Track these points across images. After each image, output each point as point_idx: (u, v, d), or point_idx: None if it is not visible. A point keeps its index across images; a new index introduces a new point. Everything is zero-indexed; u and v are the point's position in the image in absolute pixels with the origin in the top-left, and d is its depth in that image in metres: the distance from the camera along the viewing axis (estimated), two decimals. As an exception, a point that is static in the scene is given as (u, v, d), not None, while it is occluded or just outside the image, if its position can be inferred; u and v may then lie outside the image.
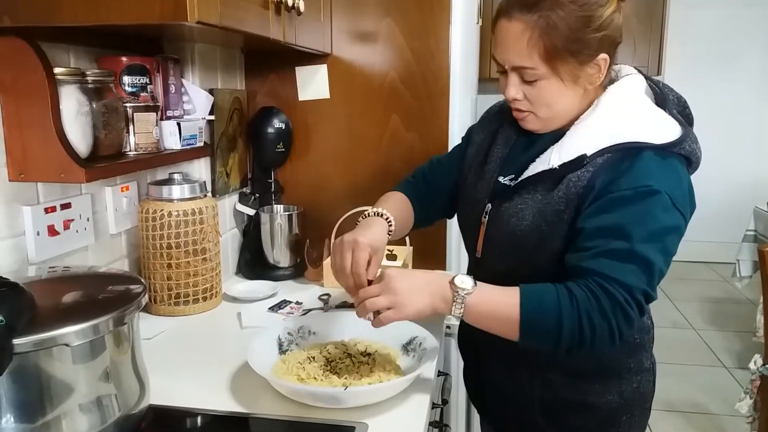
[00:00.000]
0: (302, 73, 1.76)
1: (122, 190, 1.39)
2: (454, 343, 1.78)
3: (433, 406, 1.23)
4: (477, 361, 1.32)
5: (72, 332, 0.79)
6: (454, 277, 0.99)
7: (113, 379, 0.88)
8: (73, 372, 0.82)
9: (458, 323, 1.06)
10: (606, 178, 1.01)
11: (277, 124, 1.75)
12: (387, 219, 1.19)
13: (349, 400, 1.02)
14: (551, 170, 1.06)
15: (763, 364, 2.26)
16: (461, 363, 1.60)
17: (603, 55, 1.05)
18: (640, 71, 1.15)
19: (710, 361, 3.47)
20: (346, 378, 1.07)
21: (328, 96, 1.76)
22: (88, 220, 1.28)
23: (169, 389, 1.08)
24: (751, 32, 4.98)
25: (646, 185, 0.98)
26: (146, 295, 0.94)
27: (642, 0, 4.45)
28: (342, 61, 1.74)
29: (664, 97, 1.10)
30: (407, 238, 1.54)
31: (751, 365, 2.31)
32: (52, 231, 1.19)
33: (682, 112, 1.12)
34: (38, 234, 1.16)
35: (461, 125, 1.77)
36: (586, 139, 1.05)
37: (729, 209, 4.98)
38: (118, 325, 0.87)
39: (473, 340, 1.30)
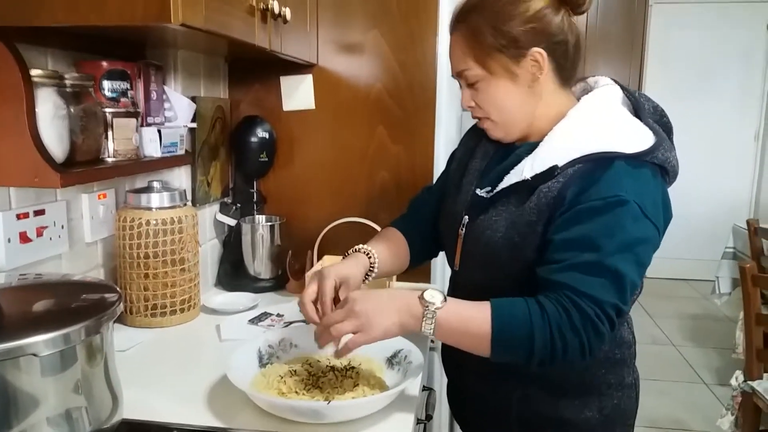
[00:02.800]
0: (287, 82, 1.74)
1: (99, 198, 1.35)
2: (438, 357, 1.75)
3: (417, 421, 1.20)
4: (459, 375, 1.30)
5: (41, 341, 0.75)
6: (423, 292, 0.97)
7: (84, 391, 0.84)
8: (41, 384, 0.78)
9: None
10: (576, 189, 1.00)
11: (261, 133, 1.72)
12: (367, 254, 1.19)
13: (331, 415, 0.99)
14: (524, 182, 1.06)
15: (745, 380, 2.27)
16: (445, 378, 1.57)
17: (536, 49, 1.05)
18: (616, 82, 1.14)
19: (690, 378, 3.48)
20: (329, 392, 1.04)
21: (313, 107, 1.74)
22: (62, 227, 1.24)
23: (143, 403, 1.04)
24: (731, 52, 5.08)
25: (616, 195, 0.97)
26: (121, 304, 0.90)
27: (622, 19, 4.51)
28: (328, 72, 1.73)
29: (640, 107, 1.09)
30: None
31: (733, 381, 2.32)
32: (24, 238, 1.15)
33: (659, 120, 1.11)
34: (9, 241, 1.12)
35: (447, 138, 1.76)
36: (557, 150, 1.05)
37: (708, 227, 5.05)
38: (91, 335, 0.83)
39: (455, 354, 1.25)
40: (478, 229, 1.12)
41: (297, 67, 1.70)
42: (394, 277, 1.60)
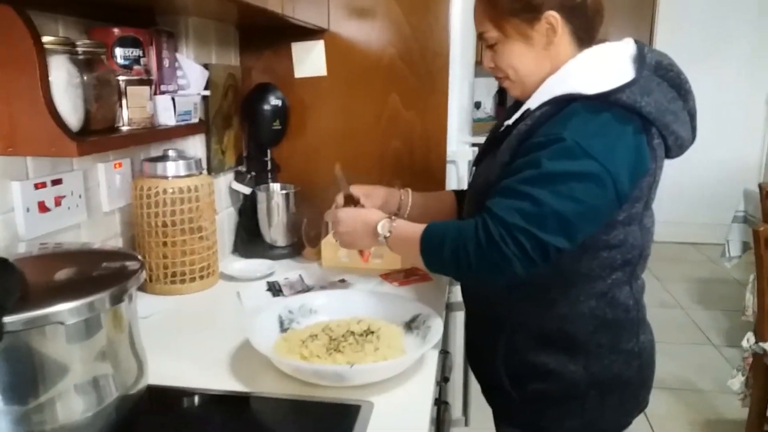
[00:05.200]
0: (298, 49, 1.72)
1: (115, 167, 1.35)
2: (453, 319, 1.77)
3: (435, 383, 1.22)
4: (467, 324, 1.36)
5: (66, 310, 0.75)
6: (377, 224, 1.17)
7: (110, 358, 0.84)
8: (67, 352, 0.78)
9: (460, 298, 1.31)
10: (535, 129, 1.05)
11: (273, 101, 1.71)
12: (399, 188, 1.40)
13: (354, 378, 1.00)
14: (507, 128, 1.13)
15: (756, 342, 2.28)
16: (460, 340, 1.59)
17: (551, 13, 1.07)
18: (638, 42, 1.12)
19: (699, 340, 3.50)
20: (350, 356, 1.05)
21: (325, 73, 1.73)
22: (80, 196, 1.24)
23: (167, 369, 1.05)
24: (742, 17, 4.97)
25: (557, 133, 1.00)
26: (144, 272, 0.91)
27: (634, -19, 4.43)
28: (339, 38, 1.71)
29: (641, 60, 1.07)
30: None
31: (744, 343, 2.33)
32: (43, 207, 1.16)
33: (663, 75, 1.08)
34: (28, 210, 1.12)
35: (460, 105, 1.75)
36: (536, 95, 1.10)
37: (717, 191, 5.01)
38: (116, 303, 0.83)
39: (465, 301, 1.35)
40: (475, 176, 1.23)
41: (308, 33, 1.68)
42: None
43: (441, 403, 1.43)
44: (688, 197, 5.02)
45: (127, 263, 0.92)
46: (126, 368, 0.88)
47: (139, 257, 0.96)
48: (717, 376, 3.01)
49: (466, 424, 2.00)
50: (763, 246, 2.20)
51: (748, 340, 2.32)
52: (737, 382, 2.38)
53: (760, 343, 2.25)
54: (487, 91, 5.03)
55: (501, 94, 5.12)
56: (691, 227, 5.14)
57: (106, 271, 0.91)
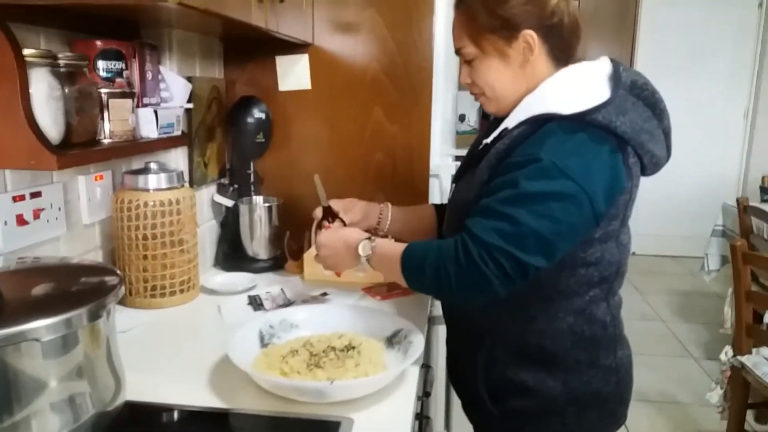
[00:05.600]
0: (283, 62, 1.73)
1: (96, 179, 1.34)
2: (435, 332, 1.77)
3: (417, 398, 1.22)
4: (448, 339, 1.36)
5: (42, 326, 0.74)
6: (359, 245, 1.18)
7: (87, 375, 0.84)
8: (43, 369, 0.77)
9: (440, 312, 1.32)
10: (513, 148, 1.06)
11: (257, 113, 1.71)
12: (379, 203, 1.41)
13: (334, 395, 1.00)
14: (485, 146, 1.13)
15: (734, 355, 2.30)
16: (442, 354, 1.59)
17: (528, 32, 1.08)
18: (614, 61, 1.13)
19: (679, 352, 3.54)
20: (331, 372, 1.05)
21: (309, 87, 1.73)
22: (59, 209, 1.23)
23: (146, 384, 1.04)
24: (722, 32, 5.06)
25: (534, 153, 1.01)
26: (122, 287, 0.90)
27: (615, -3, 4.50)
28: (324, 52, 1.71)
29: (617, 79, 1.08)
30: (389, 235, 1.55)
31: (722, 356, 2.36)
32: (21, 220, 1.14)
33: (639, 94, 1.09)
34: (6, 223, 1.11)
35: (444, 119, 1.76)
36: (513, 114, 1.10)
37: (697, 205, 5.08)
38: (93, 319, 0.83)
39: (445, 315, 1.35)
40: (454, 194, 1.24)
41: (293, 47, 1.69)
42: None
43: (423, 418, 1.43)
44: (668, 210, 5.09)
45: (106, 278, 0.91)
46: (103, 385, 0.87)
47: (118, 272, 0.95)
48: (697, 388, 3.04)
49: (448, 437, 2.00)
50: (741, 261, 2.24)
51: (726, 353, 2.35)
52: (716, 395, 2.40)
53: (738, 357, 2.28)
54: (471, 104, 5.07)
55: (485, 106, 5.15)
56: (672, 240, 5.20)
57: (84, 287, 0.90)
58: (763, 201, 3.57)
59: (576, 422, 1.17)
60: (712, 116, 5.10)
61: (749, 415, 2.42)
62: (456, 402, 1.41)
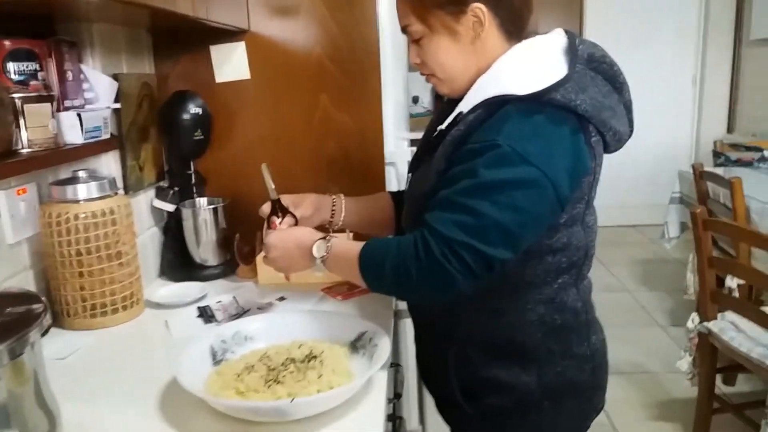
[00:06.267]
0: (218, 52, 1.61)
1: (18, 193, 1.21)
2: (403, 327, 1.70)
3: (387, 401, 1.15)
4: (416, 337, 1.29)
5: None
6: (312, 246, 1.10)
7: (14, 418, 0.74)
8: (-41, 416, 0.68)
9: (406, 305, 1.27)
10: (469, 134, 1.00)
11: (193, 109, 1.59)
12: (331, 195, 1.32)
13: (297, 412, 0.92)
14: (440, 132, 1.07)
15: (700, 322, 2.31)
16: (411, 350, 1.52)
17: (477, 5, 1.01)
18: (569, 33, 1.07)
19: (646, 321, 3.57)
20: (291, 387, 0.96)
21: (248, 76, 1.62)
22: (-23, 230, 1.11)
23: (87, 417, 0.95)
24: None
25: (491, 139, 0.95)
26: (48, 315, 0.80)
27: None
28: (262, 38, 1.60)
29: (573, 53, 1.02)
30: (349, 236, 1.47)
31: (689, 324, 2.36)
32: (-67, 246, 1.02)
33: (596, 67, 1.04)
34: None
35: (395, 103, 1.68)
36: (468, 97, 1.04)
37: (653, 173, 5.13)
38: (14, 357, 0.73)
39: (411, 314, 1.29)
40: (411, 184, 1.17)
41: (227, 35, 1.58)
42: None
43: (395, 419, 1.36)
44: (625, 180, 5.11)
45: (32, 306, 0.82)
46: (34, 425, 0.78)
47: (43, 298, 0.85)
48: (665, 356, 3.06)
49: (423, 433, 1.94)
50: (701, 227, 2.23)
51: (693, 320, 2.36)
52: (685, 363, 2.40)
53: (705, 323, 2.28)
54: (424, 85, 4.98)
55: (437, 88, 5.10)
56: (631, 210, 5.25)
57: (6, 318, 0.80)
58: (716, 165, 3.61)
59: (554, 414, 1.12)
60: (661, 84, 5.14)
61: (718, 379, 2.43)
62: (430, 397, 1.35)
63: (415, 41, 1.08)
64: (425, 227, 0.96)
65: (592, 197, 1.08)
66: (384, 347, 1.04)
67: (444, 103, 1.19)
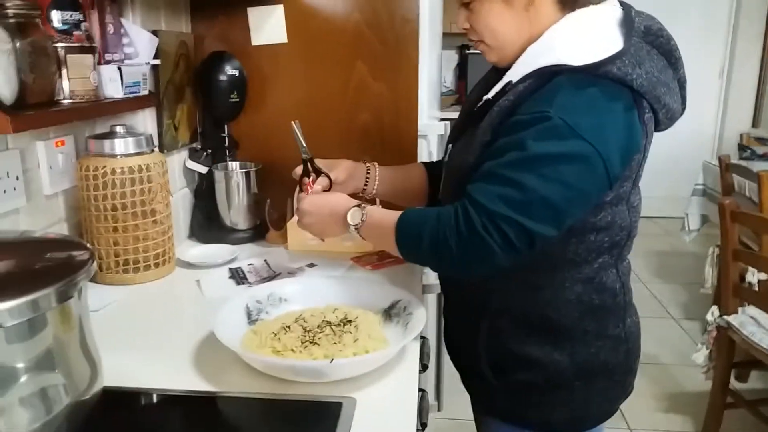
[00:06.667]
0: (255, 14, 1.60)
1: (57, 145, 1.21)
2: (425, 301, 1.70)
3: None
4: (446, 309, 1.28)
5: (5, 310, 0.64)
6: (347, 212, 1.10)
7: (59, 363, 0.74)
8: (8, 357, 0.68)
9: (436, 280, 1.23)
10: (518, 105, 0.97)
11: (230, 71, 1.58)
12: (367, 164, 1.32)
13: (334, 374, 0.92)
14: (486, 102, 1.03)
15: (720, 315, 2.29)
16: (432, 323, 1.52)
17: None
18: (624, 4, 1.04)
19: (659, 313, 3.55)
20: (327, 349, 0.96)
21: (285, 40, 1.60)
22: (17, 179, 1.11)
23: (124, 368, 0.94)
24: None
25: (541, 111, 0.92)
26: (94, 262, 0.80)
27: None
28: (300, 2, 1.58)
29: (629, 25, 0.99)
30: (378, 204, 1.45)
31: (708, 317, 2.35)
32: (-26, 192, 1.02)
33: (653, 41, 1.01)
34: (-43, 195, 0.99)
35: (429, 76, 1.66)
36: (516, 66, 1.01)
37: (673, 165, 5.08)
38: (63, 300, 0.73)
39: (443, 286, 1.27)
40: (452, 156, 1.14)
41: (265, -3, 1.56)
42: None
43: (419, 391, 1.37)
44: (645, 171, 5.06)
45: (75, 253, 0.81)
46: (77, 372, 0.78)
47: (88, 245, 0.85)
48: (678, 349, 3.06)
49: (439, 409, 1.95)
50: (729, 219, 2.21)
51: (713, 313, 2.34)
52: (701, 355, 2.39)
53: (725, 317, 2.27)
54: (446, 64, 4.96)
55: (461, 67, 5.05)
56: (649, 201, 5.16)
57: (50, 263, 0.80)
58: (741, 159, 3.57)
59: (584, 395, 1.10)
60: (688, 75, 5.05)
61: (731, 374, 2.42)
62: (446, 372, 1.35)
63: (465, 4, 1.05)
64: (467, 199, 0.95)
65: (639, 176, 1.06)
66: (420, 316, 1.04)
67: (488, 73, 1.17)
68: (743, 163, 3.24)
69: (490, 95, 1.03)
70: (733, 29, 5.04)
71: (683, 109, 1.08)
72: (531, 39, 1.02)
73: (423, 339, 1.35)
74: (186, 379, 0.95)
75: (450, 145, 1.19)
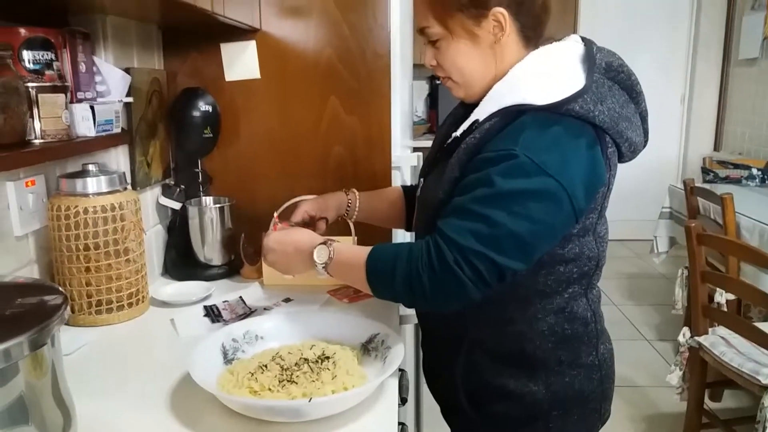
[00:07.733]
0: (228, 50, 1.61)
1: (27, 185, 1.19)
2: (403, 333, 1.69)
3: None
4: (423, 341, 1.29)
5: (-27, 360, 0.63)
6: (313, 250, 1.08)
7: (32, 413, 0.73)
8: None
9: (413, 311, 1.24)
10: (485, 143, 1.00)
11: (203, 107, 1.59)
12: (346, 192, 1.35)
13: (313, 413, 0.91)
14: (455, 139, 1.06)
15: (691, 336, 2.33)
16: (410, 356, 1.52)
17: (499, 9, 1.01)
18: (586, 40, 1.08)
19: (632, 335, 3.59)
20: (305, 387, 0.95)
21: (258, 76, 1.62)
22: (-14, 220, 1.09)
23: (99, 415, 0.93)
24: (655, 17, 5.18)
25: (508, 149, 0.95)
26: (68, 307, 0.79)
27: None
28: (272, 38, 1.60)
29: (591, 62, 1.02)
30: (351, 227, 1.45)
31: (680, 338, 2.38)
32: (-58, 235, 1.00)
33: (614, 77, 1.04)
34: (-77, 240, 0.96)
35: (402, 108, 1.68)
36: (483, 105, 1.03)
37: (639, 189, 5.17)
38: (36, 348, 0.72)
39: (420, 320, 1.28)
40: (423, 190, 1.17)
41: (238, 33, 1.57)
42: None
43: (399, 424, 1.36)
44: (613, 195, 5.14)
45: (47, 298, 0.80)
46: (51, 422, 0.77)
47: (61, 289, 0.83)
48: (652, 370, 3.09)
49: (419, 440, 1.93)
50: (696, 242, 2.26)
51: (684, 334, 2.38)
52: (675, 377, 2.42)
53: (696, 337, 2.30)
54: (417, 93, 5.02)
55: (432, 97, 5.11)
56: (619, 224, 5.28)
57: (22, 309, 0.78)
58: (705, 182, 3.67)
59: (561, 425, 1.12)
60: (651, 101, 5.16)
61: (705, 394, 2.46)
62: (426, 405, 1.35)
63: (432, 43, 1.07)
64: (438, 234, 0.96)
65: (604, 207, 1.09)
66: (398, 350, 1.04)
67: (453, 110, 1.20)
68: (707, 186, 3.33)
69: (458, 133, 1.06)
70: (692, 57, 5.20)
71: (646, 141, 1.11)
72: (497, 75, 1.05)
73: (402, 372, 1.35)
74: (164, 425, 0.93)
75: (422, 179, 1.21)
